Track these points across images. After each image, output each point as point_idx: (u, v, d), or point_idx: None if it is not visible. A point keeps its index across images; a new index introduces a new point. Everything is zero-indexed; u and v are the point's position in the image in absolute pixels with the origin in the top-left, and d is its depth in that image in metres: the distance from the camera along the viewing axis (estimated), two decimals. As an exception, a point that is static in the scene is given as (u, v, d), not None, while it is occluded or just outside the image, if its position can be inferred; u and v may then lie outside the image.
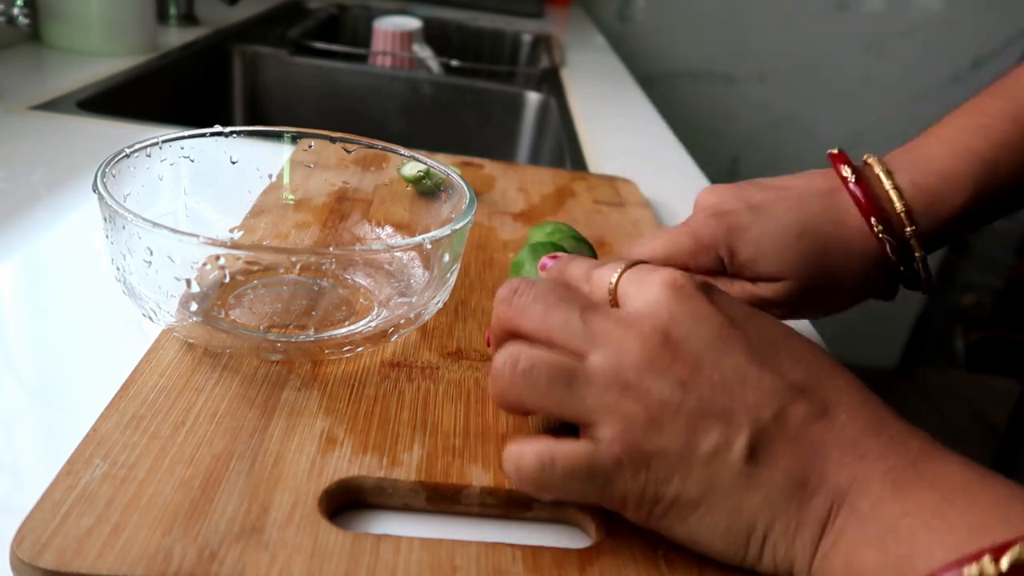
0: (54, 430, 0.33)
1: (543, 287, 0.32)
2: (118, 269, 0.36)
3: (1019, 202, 0.42)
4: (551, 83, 1.17)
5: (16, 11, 0.82)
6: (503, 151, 1.15)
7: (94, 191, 0.35)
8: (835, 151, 0.43)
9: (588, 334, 0.29)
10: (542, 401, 0.29)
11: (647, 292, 0.30)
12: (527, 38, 1.56)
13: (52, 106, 0.74)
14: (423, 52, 1.25)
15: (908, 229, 0.40)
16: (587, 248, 0.47)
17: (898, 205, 0.40)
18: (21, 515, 0.27)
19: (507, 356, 0.30)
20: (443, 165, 0.44)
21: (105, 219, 0.35)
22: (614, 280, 0.32)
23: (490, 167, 0.69)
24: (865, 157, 0.43)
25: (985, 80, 0.46)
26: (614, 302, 0.32)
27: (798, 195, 0.41)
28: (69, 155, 0.64)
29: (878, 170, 0.41)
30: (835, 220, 0.40)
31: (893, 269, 0.41)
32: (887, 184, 0.40)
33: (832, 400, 0.29)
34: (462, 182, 0.42)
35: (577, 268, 0.35)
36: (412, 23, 1.27)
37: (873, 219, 0.40)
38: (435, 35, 1.43)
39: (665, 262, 0.41)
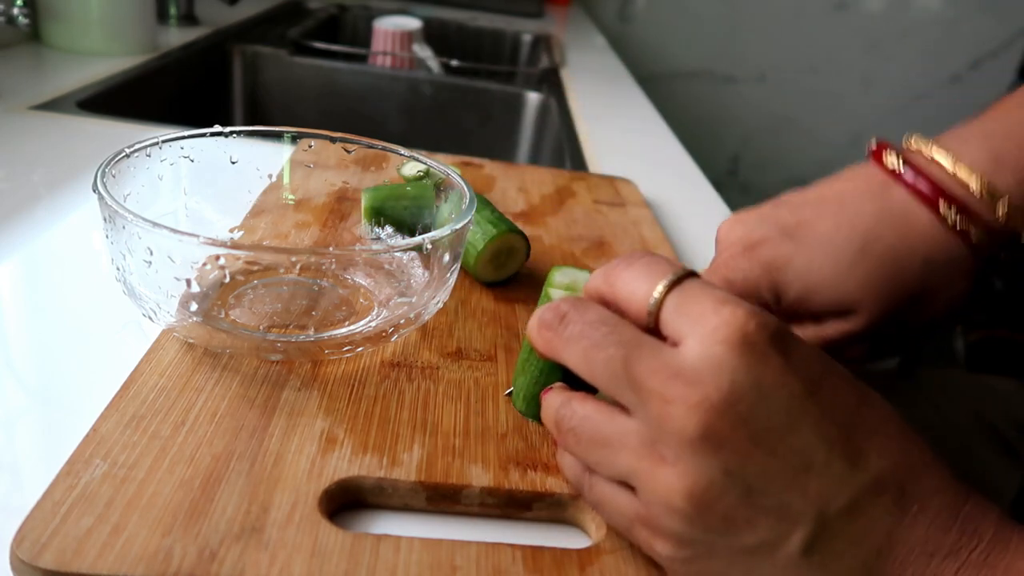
0: (54, 430, 0.33)
1: (590, 317, 0.27)
2: (118, 269, 0.36)
3: None
4: (551, 83, 1.17)
5: (16, 11, 0.82)
6: (503, 151, 1.15)
7: (94, 191, 0.35)
8: (874, 145, 0.35)
9: (631, 385, 0.25)
10: (584, 457, 0.28)
11: (706, 338, 0.24)
12: (527, 38, 1.56)
13: (52, 106, 0.74)
14: (423, 52, 1.25)
15: (1000, 206, 0.31)
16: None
17: (973, 186, 0.32)
18: (21, 515, 0.27)
19: (554, 410, 0.29)
20: (443, 165, 0.44)
21: (105, 219, 0.35)
22: (657, 296, 0.26)
23: (490, 167, 0.69)
24: (907, 143, 0.35)
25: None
26: (656, 328, 0.27)
27: (839, 205, 0.34)
28: (69, 155, 0.64)
29: (933, 153, 0.33)
30: (896, 225, 0.33)
31: (981, 263, 0.33)
32: (950, 167, 0.32)
33: (909, 490, 0.25)
34: (462, 182, 0.42)
35: (617, 278, 0.28)
36: (412, 23, 1.27)
37: (944, 204, 0.32)
38: (435, 35, 1.43)
39: None
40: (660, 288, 0.26)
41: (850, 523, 0.25)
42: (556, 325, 0.28)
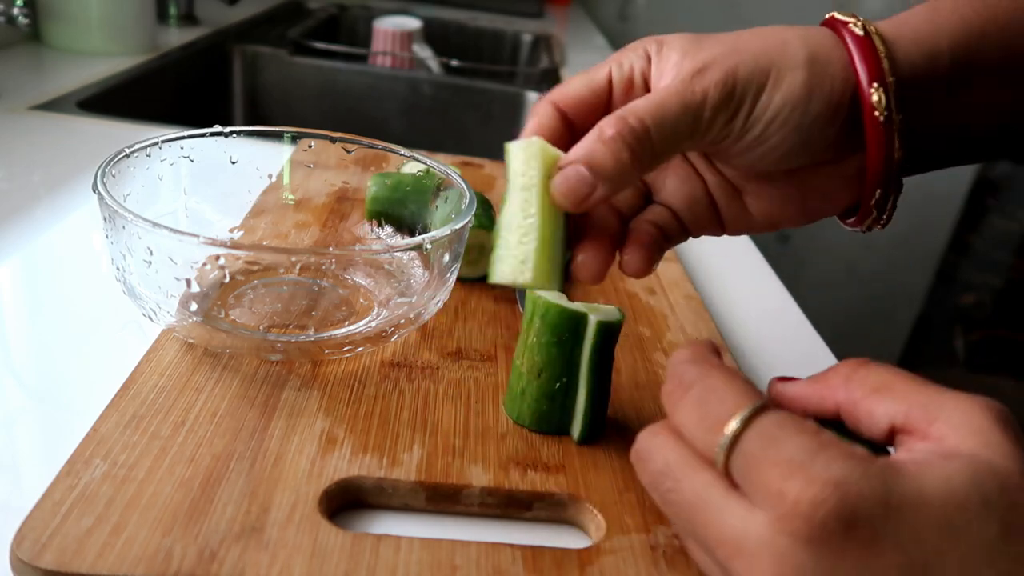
0: (54, 430, 0.33)
1: (654, 467, 0.26)
2: (118, 269, 0.36)
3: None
4: (551, 83, 1.17)
5: (16, 11, 0.82)
6: (503, 151, 1.15)
7: (94, 191, 0.35)
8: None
9: (702, 543, 0.25)
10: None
11: (771, 523, 0.22)
12: (527, 38, 1.56)
13: (52, 106, 0.74)
14: (423, 52, 1.25)
15: (884, 60, 0.32)
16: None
17: (879, 45, 0.32)
18: (21, 515, 0.27)
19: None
20: (443, 165, 0.44)
21: (105, 219, 0.35)
22: (721, 452, 0.24)
23: (490, 167, 0.69)
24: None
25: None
26: (727, 474, 0.24)
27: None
28: (69, 155, 0.64)
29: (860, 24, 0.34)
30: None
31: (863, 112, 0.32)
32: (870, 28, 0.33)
33: None
34: (462, 182, 0.42)
35: (675, 406, 0.26)
36: (412, 23, 1.27)
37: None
38: (435, 35, 1.43)
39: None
40: (723, 444, 0.24)
41: None
42: (638, 463, 0.27)
